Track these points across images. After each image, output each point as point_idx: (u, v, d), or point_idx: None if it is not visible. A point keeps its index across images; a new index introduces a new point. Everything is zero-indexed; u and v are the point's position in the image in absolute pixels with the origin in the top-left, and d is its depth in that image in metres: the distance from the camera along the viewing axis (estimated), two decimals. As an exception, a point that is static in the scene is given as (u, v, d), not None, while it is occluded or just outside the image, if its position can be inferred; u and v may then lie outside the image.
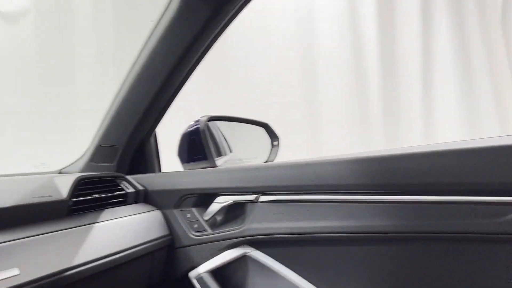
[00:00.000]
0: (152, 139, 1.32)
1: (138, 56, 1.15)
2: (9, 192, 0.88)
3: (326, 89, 3.40)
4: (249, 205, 1.07)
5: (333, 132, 3.38)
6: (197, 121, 1.27)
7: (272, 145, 1.43)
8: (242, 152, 1.48)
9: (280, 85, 3.31)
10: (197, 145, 1.25)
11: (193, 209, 1.14)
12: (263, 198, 1.04)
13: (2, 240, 0.77)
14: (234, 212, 1.11)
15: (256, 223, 1.05)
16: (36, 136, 2.65)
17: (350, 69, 3.41)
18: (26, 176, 1.15)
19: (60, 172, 1.30)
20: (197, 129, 1.25)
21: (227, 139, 1.45)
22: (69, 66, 2.86)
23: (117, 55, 2.93)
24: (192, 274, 1.09)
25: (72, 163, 1.30)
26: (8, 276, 0.74)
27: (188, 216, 1.13)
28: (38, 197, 0.91)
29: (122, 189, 1.13)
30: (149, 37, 1.13)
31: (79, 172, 1.25)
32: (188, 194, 1.14)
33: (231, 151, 1.46)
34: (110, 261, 0.94)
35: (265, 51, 3.24)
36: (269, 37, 3.24)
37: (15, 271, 0.75)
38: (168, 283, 1.17)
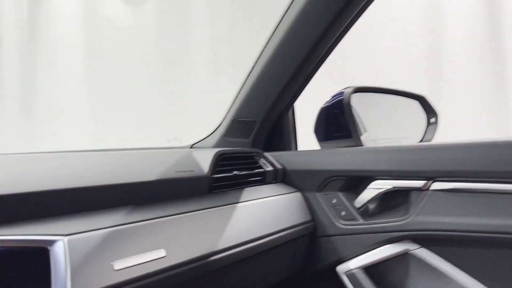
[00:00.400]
0: (290, 114, 1.18)
1: (276, 28, 1.02)
2: (150, 166, 0.81)
3: (454, 67, 3.01)
4: (415, 193, 0.88)
5: (462, 114, 2.98)
6: (340, 93, 1.10)
7: (429, 123, 1.20)
8: (383, 130, 1.27)
9: (401, 62, 2.99)
10: (339, 121, 1.09)
11: (340, 194, 0.98)
12: (436, 185, 0.84)
13: (148, 217, 0.70)
14: (393, 201, 0.92)
15: (424, 216, 0.85)
16: (166, 112, 2.73)
17: (485, 45, 2.95)
18: (162, 150, 1.10)
19: (192, 147, 1.24)
20: (340, 102, 1.09)
21: (362, 115, 1.26)
22: (189, 46, 2.89)
23: (233, 38, 2.90)
24: (341, 268, 0.94)
25: (204, 138, 1.22)
26: (155, 257, 0.66)
27: (334, 201, 0.98)
28: (180, 171, 0.83)
29: (260, 167, 1.02)
30: (288, 9, 0.98)
31: (212, 147, 1.17)
32: (335, 176, 0.98)
33: (365, 130, 1.27)
34: (255, 246, 0.83)
35: (385, 23, 2.94)
36: (390, 8, 2.93)
37: (162, 252, 0.67)
38: (309, 275, 1.04)
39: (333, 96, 1.12)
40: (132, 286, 0.62)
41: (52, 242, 0.58)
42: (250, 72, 1.09)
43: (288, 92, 1.09)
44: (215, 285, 0.79)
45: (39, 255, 0.57)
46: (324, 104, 1.12)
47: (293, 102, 1.15)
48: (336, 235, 0.96)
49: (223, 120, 1.18)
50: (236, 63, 2.83)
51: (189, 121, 2.68)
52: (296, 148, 1.21)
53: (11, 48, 2.95)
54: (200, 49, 2.94)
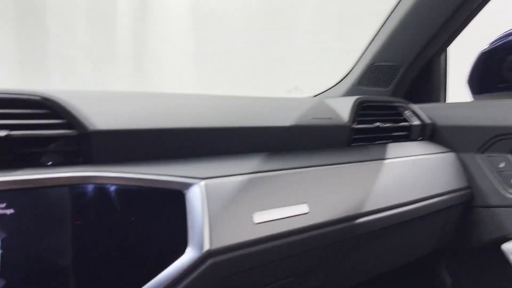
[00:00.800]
0: (441, 59, 0.98)
1: None
2: (284, 111, 0.70)
3: None
4: None
5: None
6: (510, 33, 0.88)
7: None
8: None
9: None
10: (506, 68, 0.87)
11: (510, 157, 0.78)
12: None
13: (288, 166, 0.60)
14: None
15: None
16: (283, 63, 2.62)
17: None
18: (288, 98, 0.99)
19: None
20: (509, 44, 0.87)
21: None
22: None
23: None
24: (509, 247, 0.76)
25: (329, 88, 1.08)
26: (298, 213, 0.56)
27: (501, 165, 0.79)
28: (317, 118, 0.71)
29: (405, 120, 0.85)
30: None
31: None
32: (504, 135, 0.78)
33: None
34: (402, 213, 0.69)
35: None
36: None
37: (305, 208, 0.57)
38: (460, 250, 0.87)
39: (498, 38, 0.90)
40: (272, 244, 0.53)
41: (188, 186, 0.50)
42: (393, 11, 0.91)
43: (443, 33, 0.89)
44: (356, 252, 0.68)
45: (174, 198, 0.50)
46: (485, 48, 0.91)
47: (448, 45, 0.94)
48: (501, 206, 0.78)
49: (354, 66, 1.02)
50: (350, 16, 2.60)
51: (300, 75, 2.54)
52: (445, 101, 1.01)
53: (123, 9, 3.05)
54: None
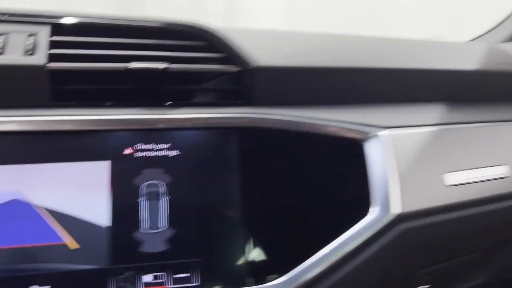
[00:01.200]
0: None
1: None
2: (456, 55, 0.57)
3: None
4: None
5: None
6: None
7: None
8: None
9: None
10: None
11: None
12: None
13: (481, 119, 0.48)
14: None
15: None
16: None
17: None
18: (455, 41, 0.84)
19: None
20: None
21: None
22: None
23: None
24: None
25: (482, 34, 0.91)
26: (496, 176, 0.45)
27: None
28: (503, 63, 0.57)
29: None
30: None
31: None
32: None
33: None
34: None
35: None
36: None
37: (505, 170, 0.46)
38: None
39: None
40: (465, 213, 0.43)
41: (368, 135, 0.41)
42: None
43: None
44: None
45: (350, 149, 0.41)
46: None
47: None
48: None
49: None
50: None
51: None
52: None
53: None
54: None
